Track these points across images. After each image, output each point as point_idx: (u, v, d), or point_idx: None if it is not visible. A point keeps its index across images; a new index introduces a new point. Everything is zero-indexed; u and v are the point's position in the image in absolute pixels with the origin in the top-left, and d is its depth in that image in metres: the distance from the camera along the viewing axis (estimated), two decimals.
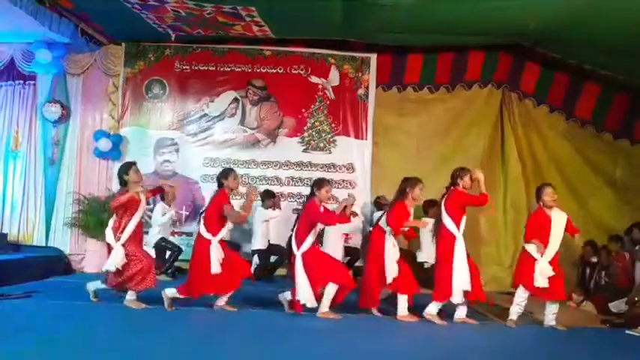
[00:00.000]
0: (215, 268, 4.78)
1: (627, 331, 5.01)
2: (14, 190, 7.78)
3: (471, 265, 4.91)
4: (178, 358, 3.51)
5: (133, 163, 5.04)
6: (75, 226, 7.46)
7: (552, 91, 7.62)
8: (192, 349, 3.66)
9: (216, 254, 4.80)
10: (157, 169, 7.63)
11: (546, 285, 4.82)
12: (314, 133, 7.72)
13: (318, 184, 5.00)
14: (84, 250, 7.44)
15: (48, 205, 7.64)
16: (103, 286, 4.96)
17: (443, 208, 5.00)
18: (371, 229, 6.33)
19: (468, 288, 4.80)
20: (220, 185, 5.01)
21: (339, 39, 7.55)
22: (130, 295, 4.86)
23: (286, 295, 4.98)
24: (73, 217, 7.45)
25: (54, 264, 7.04)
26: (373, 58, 7.76)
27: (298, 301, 4.79)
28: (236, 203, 5.54)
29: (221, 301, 4.96)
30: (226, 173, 5.04)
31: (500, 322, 5.09)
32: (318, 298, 4.83)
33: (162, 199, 6.62)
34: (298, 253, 4.86)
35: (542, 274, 4.83)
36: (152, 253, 5.56)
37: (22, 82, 7.88)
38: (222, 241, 4.94)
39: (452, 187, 5.08)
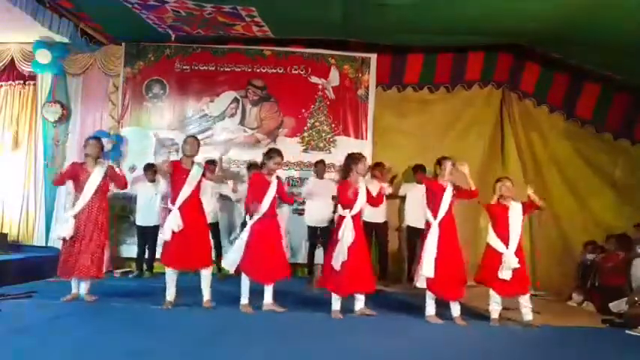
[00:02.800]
0: (167, 235, 4.92)
1: (627, 331, 5.01)
2: (14, 190, 7.78)
3: (448, 258, 4.90)
4: (178, 358, 3.51)
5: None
6: None
7: (552, 91, 7.61)
8: (192, 349, 3.66)
9: (173, 222, 4.91)
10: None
11: (509, 277, 4.87)
12: (314, 133, 7.72)
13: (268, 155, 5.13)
14: None
15: (48, 205, 7.64)
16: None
17: (425, 195, 5.12)
18: None
19: (431, 275, 4.83)
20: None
21: (339, 39, 7.55)
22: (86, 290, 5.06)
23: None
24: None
25: (54, 264, 7.00)
26: (373, 58, 7.76)
27: None
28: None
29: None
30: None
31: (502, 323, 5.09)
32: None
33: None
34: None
35: (508, 265, 4.87)
36: None
37: (22, 82, 7.90)
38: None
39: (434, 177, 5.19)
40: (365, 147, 7.65)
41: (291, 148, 7.63)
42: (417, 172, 7.10)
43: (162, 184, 6.38)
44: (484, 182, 7.57)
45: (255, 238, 4.95)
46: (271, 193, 5.04)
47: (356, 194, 4.97)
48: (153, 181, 6.88)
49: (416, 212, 6.55)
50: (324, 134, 7.71)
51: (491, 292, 5.02)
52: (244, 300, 4.98)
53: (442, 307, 5.00)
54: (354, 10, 6.16)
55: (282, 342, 4.03)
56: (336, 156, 7.66)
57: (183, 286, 5.10)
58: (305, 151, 7.69)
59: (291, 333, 4.33)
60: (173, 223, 4.88)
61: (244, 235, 5.02)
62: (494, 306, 5.03)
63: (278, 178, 5.21)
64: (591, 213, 7.37)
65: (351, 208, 4.94)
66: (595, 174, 7.47)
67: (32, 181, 7.75)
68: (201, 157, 7.51)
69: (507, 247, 4.95)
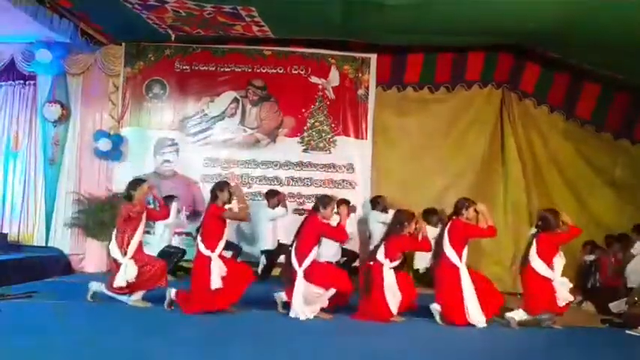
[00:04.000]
0: (216, 283, 4.72)
1: (627, 331, 5.00)
2: (14, 190, 7.77)
3: (481, 284, 4.89)
4: (179, 358, 3.51)
5: (144, 181, 5.21)
6: (75, 226, 7.44)
7: (552, 91, 7.61)
8: (192, 350, 3.66)
9: (217, 270, 4.74)
10: (157, 169, 7.62)
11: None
12: (314, 133, 7.72)
13: (324, 202, 5.01)
14: (84, 250, 7.43)
15: (48, 205, 7.63)
16: (107, 292, 4.97)
17: (446, 238, 4.95)
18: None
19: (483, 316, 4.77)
20: (215, 198, 4.96)
21: (339, 39, 7.55)
22: (136, 295, 4.90)
23: (282, 296, 4.97)
24: (73, 217, 7.43)
25: (54, 264, 7.02)
26: (373, 58, 7.75)
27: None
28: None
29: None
30: (221, 186, 5.00)
31: (502, 323, 5.08)
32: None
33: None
34: (300, 270, 4.81)
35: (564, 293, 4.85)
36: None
37: (22, 82, 7.87)
38: (221, 255, 4.90)
39: (455, 217, 5.02)
40: (365, 147, 7.67)
41: (291, 148, 7.64)
42: (431, 215, 6.58)
43: None
44: (484, 183, 7.63)
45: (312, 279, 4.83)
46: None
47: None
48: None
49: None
50: (324, 134, 7.71)
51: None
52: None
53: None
54: (354, 10, 6.16)
55: (282, 342, 4.03)
56: (336, 156, 7.68)
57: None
58: (305, 151, 7.69)
59: (291, 333, 4.33)
60: (219, 271, 4.76)
61: (299, 287, 4.80)
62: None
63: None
64: (591, 213, 7.38)
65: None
66: (595, 174, 7.48)
67: (32, 181, 7.74)
68: (201, 157, 7.64)
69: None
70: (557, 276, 4.85)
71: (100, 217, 7.05)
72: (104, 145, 7.43)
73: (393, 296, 4.85)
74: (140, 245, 4.99)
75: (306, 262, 4.82)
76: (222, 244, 4.90)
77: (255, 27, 6.88)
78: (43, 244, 7.53)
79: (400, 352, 3.94)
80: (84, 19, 7.00)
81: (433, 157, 7.69)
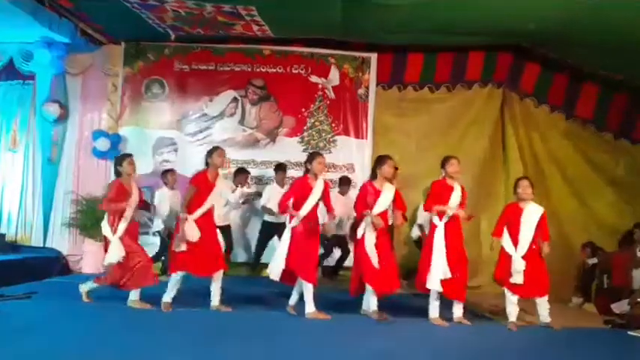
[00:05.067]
0: (176, 245, 4.83)
1: (630, 332, 4.99)
2: (12, 190, 7.74)
3: (454, 258, 4.88)
4: (177, 358, 3.49)
5: (129, 155, 5.14)
6: (73, 226, 7.41)
7: (552, 90, 7.61)
8: (192, 350, 3.65)
9: (182, 232, 4.81)
10: (156, 169, 7.59)
11: (521, 281, 4.84)
12: (314, 132, 7.70)
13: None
14: (82, 251, 7.38)
15: (46, 206, 7.60)
16: (95, 285, 4.98)
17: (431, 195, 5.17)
18: None
19: (447, 276, 4.80)
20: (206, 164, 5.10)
21: (339, 39, 7.54)
22: (133, 296, 4.86)
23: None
24: (71, 217, 7.41)
25: (52, 264, 6.99)
26: (373, 57, 7.74)
27: None
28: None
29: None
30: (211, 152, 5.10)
31: (501, 323, 5.06)
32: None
33: (165, 184, 6.75)
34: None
35: (515, 269, 4.86)
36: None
37: (21, 81, 7.86)
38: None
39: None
40: (365, 147, 7.66)
41: (290, 147, 7.63)
42: None
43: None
44: (485, 182, 7.62)
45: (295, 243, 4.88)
46: (314, 197, 4.96)
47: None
48: (173, 188, 6.78)
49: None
50: (324, 134, 7.69)
51: (507, 292, 4.96)
52: (309, 307, 4.86)
53: (444, 309, 4.99)
54: (354, 10, 6.15)
55: (282, 342, 4.01)
56: (337, 156, 7.67)
57: (187, 287, 5.08)
58: (305, 151, 7.65)
59: (290, 333, 4.32)
60: (190, 234, 4.81)
61: (284, 240, 4.93)
62: (511, 307, 4.96)
63: (325, 182, 5.14)
64: (592, 213, 7.37)
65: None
66: (596, 173, 7.47)
67: (30, 181, 7.71)
68: (200, 157, 7.55)
69: (516, 249, 4.92)
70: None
71: (98, 217, 6.99)
72: (103, 144, 7.41)
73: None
74: (131, 231, 4.94)
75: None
76: (200, 211, 4.89)
77: (255, 26, 6.87)
78: (41, 245, 7.50)
79: (400, 352, 3.93)
80: (83, 19, 6.99)
81: (433, 156, 7.64)
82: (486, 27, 6.43)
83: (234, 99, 7.72)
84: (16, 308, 4.75)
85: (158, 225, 6.77)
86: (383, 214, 4.99)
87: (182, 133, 7.67)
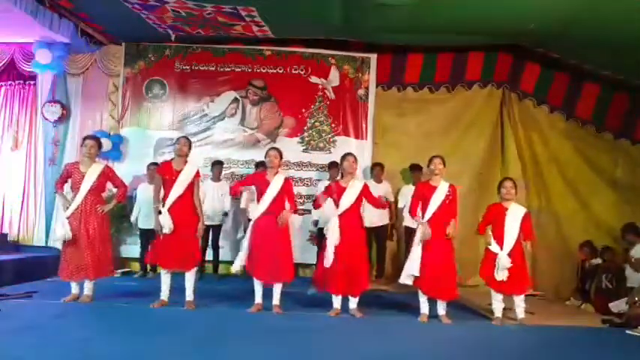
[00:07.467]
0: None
1: (627, 331, 5.00)
2: (14, 190, 7.77)
3: (437, 257, 4.90)
4: (177, 359, 3.51)
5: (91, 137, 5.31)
6: None
7: (552, 90, 7.60)
8: (192, 350, 3.66)
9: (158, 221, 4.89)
10: None
11: (505, 278, 4.94)
12: (314, 133, 7.72)
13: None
14: None
15: (48, 206, 7.63)
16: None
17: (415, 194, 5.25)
18: None
19: (415, 273, 4.88)
20: None
21: (339, 39, 7.55)
22: (87, 289, 5.03)
23: None
24: None
25: (53, 264, 7.00)
26: (373, 58, 7.75)
27: None
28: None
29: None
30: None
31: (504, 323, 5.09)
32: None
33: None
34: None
35: (501, 266, 4.94)
36: None
37: (22, 82, 7.88)
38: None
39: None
40: (365, 147, 7.67)
41: (291, 148, 7.63)
42: (413, 172, 7.11)
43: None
44: (484, 182, 7.61)
45: (256, 237, 4.95)
46: (272, 191, 5.00)
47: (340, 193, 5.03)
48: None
49: None
50: (324, 134, 7.71)
51: (492, 290, 5.07)
52: (257, 299, 4.98)
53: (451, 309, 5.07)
54: (354, 11, 6.16)
55: (282, 342, 4.02)
56: (337, 156, 7.66)
57: (180, 286, 5.10)
58: (305, 151, 7.69)
59: (290, 333, 4.33)
60: (164, 224, 4.83)
61: (248, 233, 5.06)
62: (497, 304, 5.07)
63: (287, 178, 5.18)
64: (592, 213, 7.36)
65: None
66: (595, 174, 7.46)
67: (32, 181, 7.74)
68: (201, 157, 7.63)
69: (502, 248, 4.99)
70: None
71: None
72: (104, 145, 7.41)
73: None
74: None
75: None
76: (168, 200, 4.92)
77: (255, 27, 6.88)
78: (43, 245, 7.52)
79: (400, 352, 3.94)
80: (84, 19, 7.01)
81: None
82: (486, 27, 6.44)
83: (235, 99, 7.74)
84: (17, 308, 4.77)
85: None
86: (353, 210, 5.04)
87: (183, 134, 7.67)
